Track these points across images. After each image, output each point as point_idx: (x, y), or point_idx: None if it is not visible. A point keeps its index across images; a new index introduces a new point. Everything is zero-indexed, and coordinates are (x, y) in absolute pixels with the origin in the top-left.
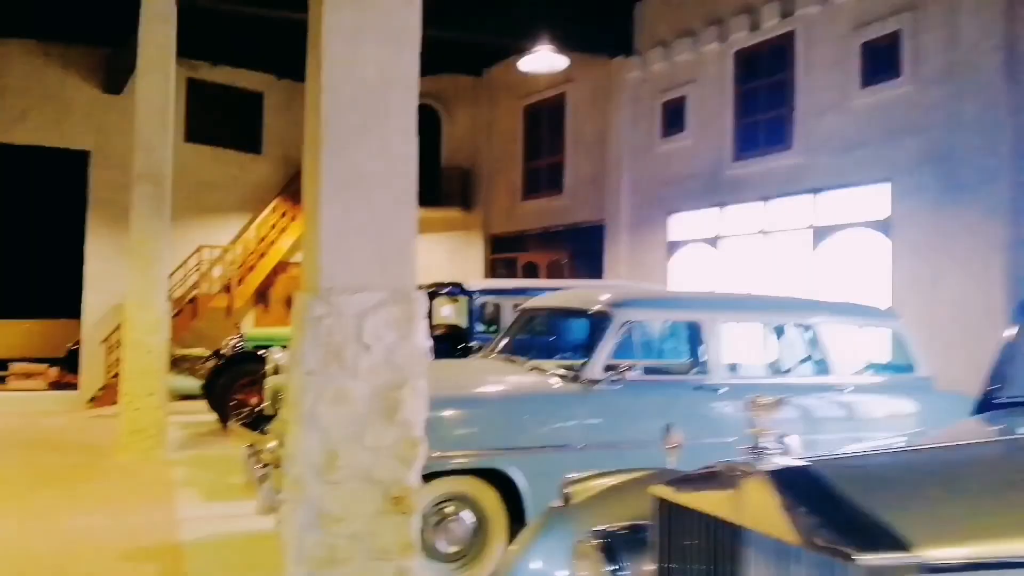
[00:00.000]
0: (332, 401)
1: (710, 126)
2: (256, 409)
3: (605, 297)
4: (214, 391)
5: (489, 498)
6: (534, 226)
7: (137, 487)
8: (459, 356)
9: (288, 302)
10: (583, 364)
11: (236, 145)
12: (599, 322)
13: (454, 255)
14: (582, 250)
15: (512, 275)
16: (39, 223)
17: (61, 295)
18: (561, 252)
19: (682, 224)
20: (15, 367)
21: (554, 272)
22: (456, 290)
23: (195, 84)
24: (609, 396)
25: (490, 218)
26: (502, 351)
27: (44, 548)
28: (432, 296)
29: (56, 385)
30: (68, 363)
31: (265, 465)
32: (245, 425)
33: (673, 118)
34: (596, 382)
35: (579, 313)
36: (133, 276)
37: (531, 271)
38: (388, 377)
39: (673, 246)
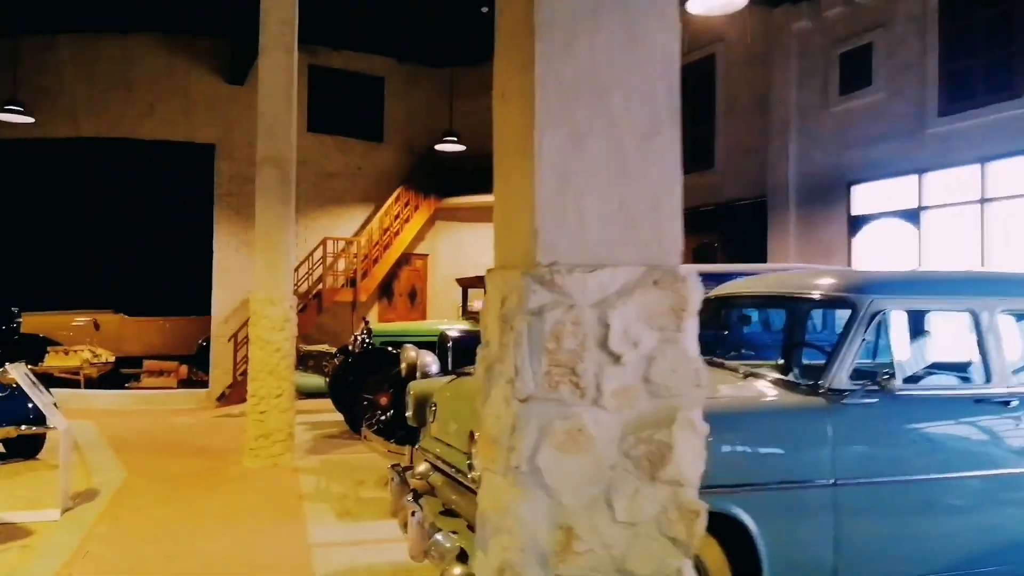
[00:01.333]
0: (563, 444)
1: (906, 77)
2: (387, 413)
3: (841, 279)
4: (341, 390)
5: (711, 552)
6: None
7: (265, 501)
8: None
9: (412, 295)
10: (823, 370)
11: (358, 133)
12: (839, 313)
13: None
14: (736, 232)
15: None
16: (169, 219)
17: (192, 291)
18: (710, 235)
19: (869, 196)
20: (148, 365)
21: (701, 258)
22: None
23: (315, 71)
24: (862, 413)
25: None
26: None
27: None
28: None
29: (186, 383)
30: (198, 360)
31: (416, 496)
32: (378, 432)
33: (855, 71)
34: (842, 393)
35: (802, 301)
36: (259, 268)
37: None
38: (648, 406)
39: (857, 222)
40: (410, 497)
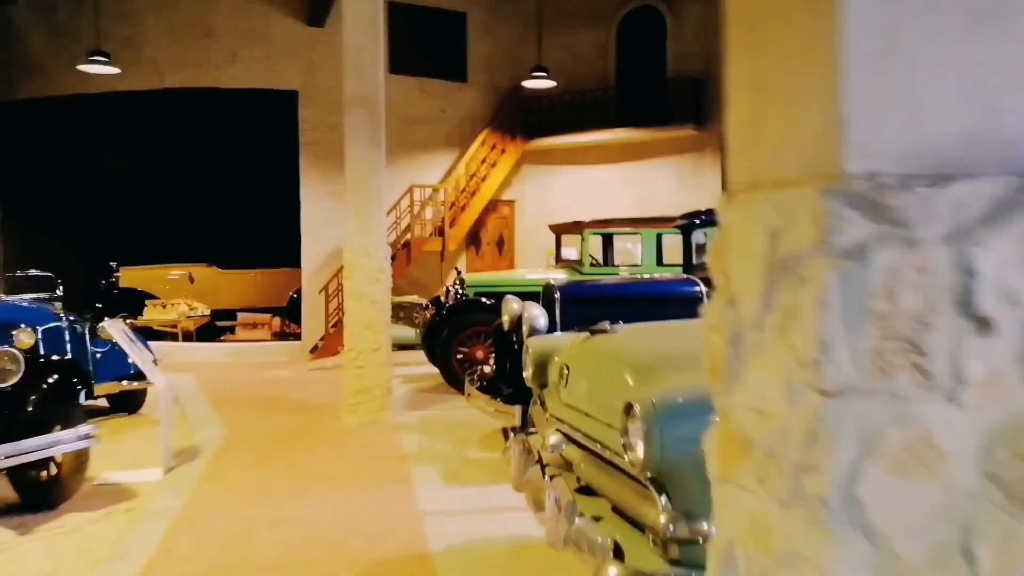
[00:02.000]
0: (899, 464)
1: None
2: (488, 367)
3: None
4: (435, 343)
5: None
6: None
7: (368, 462)
8: None
9: (499, 243)
10: None
11: (441, 74)
12: None
13: (684, 182)
14: None
15: None
16: (255, 169)
17: (282, 243)
18: None
19: None
20: (242, 318)
21: None
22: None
23: (395, 8)
24: None
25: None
26: None
27: (266, 552)
28: (688, 231)
29: (279, 335)
30: (290, 313)
31: (546, 470)
32: (483, 390)
33: None
34: None
35: None
36: (351, 218)
37: None
38: None
39: None
40: (544, 474)
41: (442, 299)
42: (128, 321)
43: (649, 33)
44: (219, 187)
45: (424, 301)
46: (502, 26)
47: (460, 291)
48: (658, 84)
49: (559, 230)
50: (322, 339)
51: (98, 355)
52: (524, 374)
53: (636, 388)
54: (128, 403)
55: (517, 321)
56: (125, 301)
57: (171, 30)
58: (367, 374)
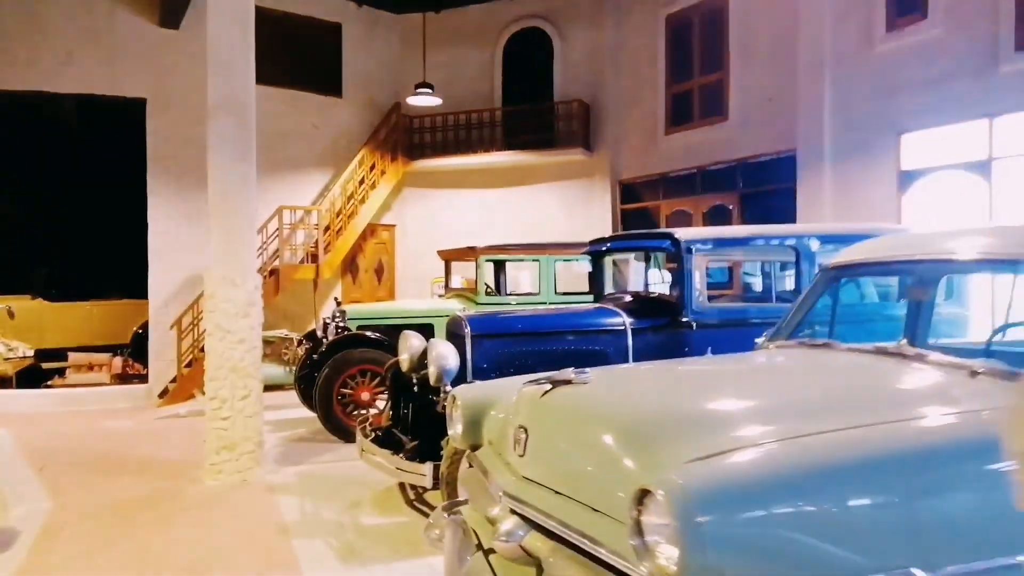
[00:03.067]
0: None
1: (971, 7)
2: (386, 417)
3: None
4: (312, 384)
5: None
6: (682, 166)
7: (240, 539)
8: (680, 340)
9: (380, 271)
10: None
11: (313, 87)
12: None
13: (573, 208)
14: (757, 192)
15: (646, 226)
16: (92, 187)
17: (124, 271)
18: (726, 195)
19: (923, 146)
20: (74, 358)
21: (715, 222)
22: (665, 243)
23: (263, 15)
24: None
25: (619, 160)
26: (803, 335)
27: None
28: (597, 256)
29: (121, 377)
30: (134, 351)
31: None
32: (381, 443)
33: (905, 3)
34: None
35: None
36: (216, 241)
37: (680, 222)
38: None
39: (908, 176)
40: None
41: (318, 333)
42: None
43: (536, 55)
44: (49, 205)
45: (296, 336)
46: (380, 41)
47: (340, 324)
48: (545, 107)
49: (449, 256)
50: (173, 381)
51: None
52: (451, 432)
53: (646, 464)
54: None
55: (418, 361)
56: None
57: None
58: (234, 426)
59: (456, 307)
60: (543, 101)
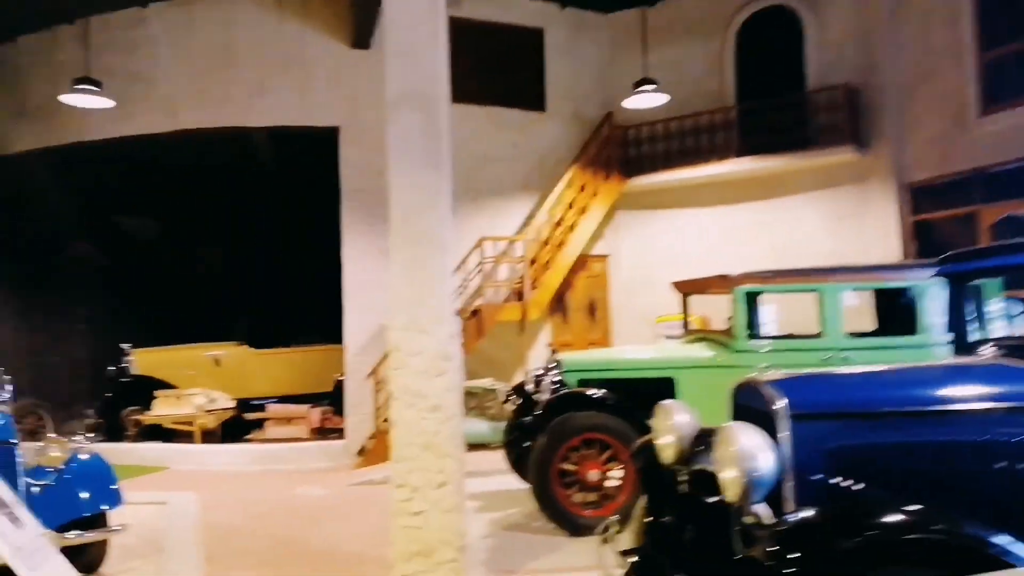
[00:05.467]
0: None
1: None
2: (638, 522)
3: None
4: (523, 452)
5: None
6: (1009, 156)
7: None
8: None
9: (592, 309)
10: None
11: (513, 101)
12: None
13: (840, 222)
14: None
15: (954, 244)
16: (289, 225)
17: (323, 315)
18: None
19: None
20: (272, 411)
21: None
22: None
23: (458, 26)
24: None
25: (905, 157)
26: None
27: None
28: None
29: (319, 431)
30: (335, 401)
31: None
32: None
33: None
34: None
35: None
36: (397, 276)
37: (1007, 232)
38: None
39: None
40: None
41: (527, 387)
42: (138, 415)
43: (779, 40)
44: (248, 247)
45: (502, 387)
46: (586, 45)
47: (556, 378)
48: (796, 99)
49: (690, 288)
50: (372, 438)
51: (36, 489)
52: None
53: None
54: (83, 558)
55: (690, 449)
56: (137, 391)
57: (185, 59)
58: (428, 524)
59: (704, 354)
60: (792, 93)
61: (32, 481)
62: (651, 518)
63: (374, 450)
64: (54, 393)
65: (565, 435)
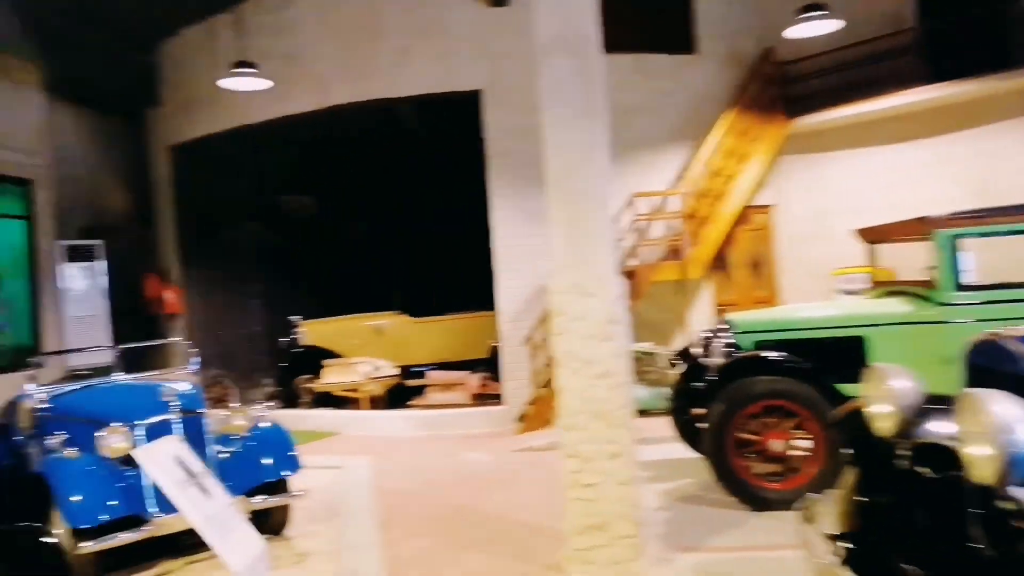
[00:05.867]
0: None
1: None
2: (844, 502)
3: None
4: (689, 418)
5: None
6: None
7: None
8: None
9: (756, 265)
10: None
11: (660, 46)
12: None
13: None
14: None
15: None
16: (437, 193)
17: (478, 281)
18: None
19: None
20: (432, 377)
21: None
22: None
23: None
24: None
25: None
26: None
27: None
28: None
29: (479, 397)
30: (492, 367)
31: None
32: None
33: None
34: None
35: None
36: (558, 237)
37: None
38: None
39: None
40: None
41: (693, 351)
42: (310, 383)
43: None
44: (400, 218)
45: (664, 352)
46: None
47: (727, 341)
48: (993, 13)
49: (879, 235)
50: (531, 403)
51: (223, 456)
52: None
53: None
54: (267, 522)
55: (911, 418)
56: (307, 361)
57: (335, 35)
58: (602, 497)
59: (901, 309)
60: (989, 6)
61: (220, 448)
62: (865, 498)
63: (534, 416)
64: (235, 364)
65: (743, 402)
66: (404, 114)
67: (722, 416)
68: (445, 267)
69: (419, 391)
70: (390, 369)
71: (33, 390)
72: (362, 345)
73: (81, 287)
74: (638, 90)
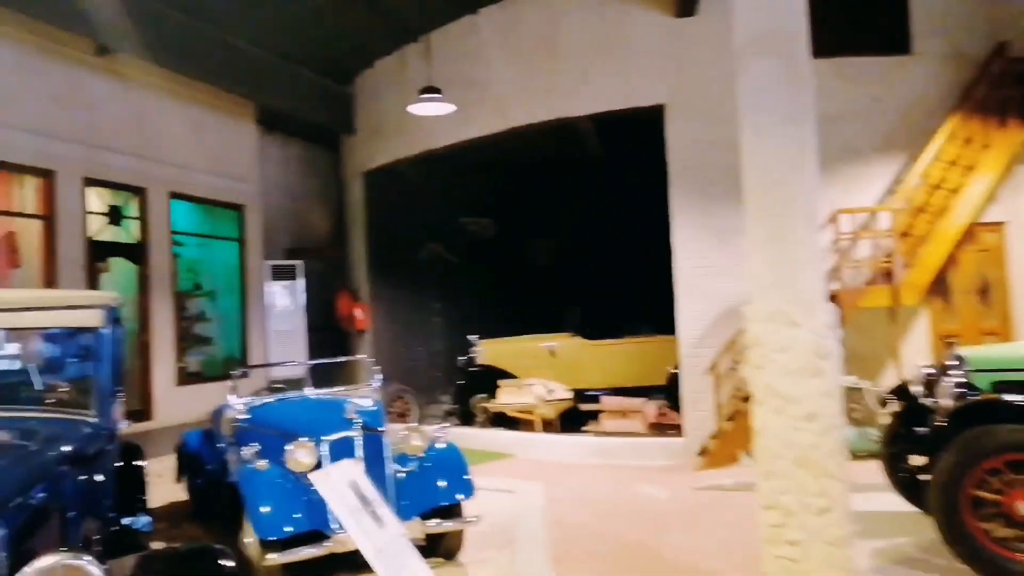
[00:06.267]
0: None
1: None
2: None
3: None
4: (906, 467)
5: None
6: None
7: None
8: None
9: (984, 291)
10: None
11: (868, 47)
12: None
13: None
14: None
15: None
16: (618, 212)
17: (656, 303)
18: None
19: None
20: (606, 403)
21: None
22: None
23: None
24: None
25: None
26: None
27: None
28: None
29: (658, 426)
30: (670, 394)
31: None
32: None
33: None
34: None
35: None
36: (757, 255)
37: None
38: None
39: None
40: None
41: (913, 389)
42: (485, 403)
43: None
44: (577, 238)
45: (867, 386)
46: None
47: (958, 379)
48: None
49: None
50: (714, 437)
51: (400, 475)
52: None
53: None
54: (440, 546)
55: None
56: (484, 380)
57: (515, 58)
58: (807, 557)
59: None
60: None
61: (398, 468)
62: None
63: (718, 451)
64: (415, 380)
65: (981, 454)
66: (583, 133)
67: (954, 469)
68: (622, 288)
69: (593, 416)
70: (563, 392)
71: (233, 401)
72: (536, 366)
73: (283, 304)
74: (841, 97)
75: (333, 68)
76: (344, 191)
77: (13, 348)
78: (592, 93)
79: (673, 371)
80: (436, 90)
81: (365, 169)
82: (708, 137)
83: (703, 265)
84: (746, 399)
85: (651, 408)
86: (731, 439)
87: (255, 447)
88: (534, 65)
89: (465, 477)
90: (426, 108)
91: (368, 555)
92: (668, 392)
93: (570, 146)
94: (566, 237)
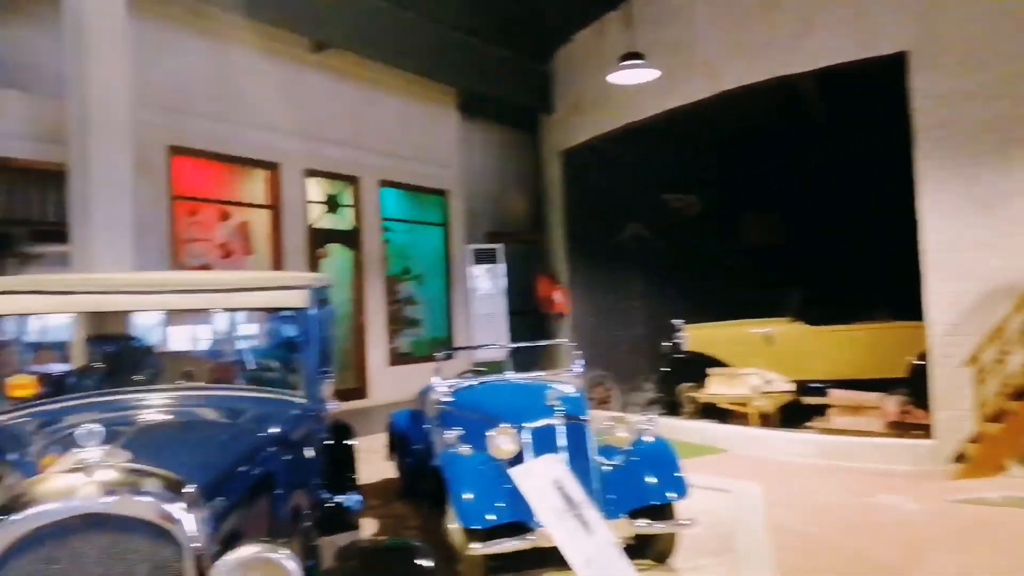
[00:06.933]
0: None
1: None
2: None
3: None
4: None
5: None
6: None
7: None
8: None
9: None
10: None
11: None
12: None
13: None
14: None
15: None
16: (848, 180)
17: (895, 284)
18: None
19: None
20: (836, 397)
21: None
22: None
23: None
24: None
25: None
26: None
27: None
28: None
29: (900, 426)
30: (913, 389)
31: None
32: None
33: None
34: None
35: None
36: None
37: None
38: None
39: None
40: None
41: None
42: (692, 392)
43: None
44: (798, 210)
45: None
46: None
47: None
48: None
49: None
50: (974, 441)
51: (606, 469)
52: None
53: None
54: (650, 549)
55: None
56: (690, 368)
57: (725, 16)
58: None
59: None
60: None
61: (603, 460)
62: None
63: (980, 458)
64: (616, 366)
65: None
66: (804, 93)
67: None
68: (852, 267)
69: (818, 411)
70: (783, 384)
71: (437, 383)
72: (750, 354)
73: (485, 287)
74: None
75: (532, 47)
76: (542, 172)
77: (224, 328)
78: (816, 45)
79: (917, 362)
80: (639, 55)
81: (563, 148)
82: (964, 87)
83: (959, 237)
84: (1018, 396)
85: (892, 404)
86: (998, 444)
87: (458, 431)
88: (747, 19)
89: (677, 475)
90: (627, 76)
91: (575, 565)
92: (910, 386)
93: (788, 109)
94: (784, 211)
